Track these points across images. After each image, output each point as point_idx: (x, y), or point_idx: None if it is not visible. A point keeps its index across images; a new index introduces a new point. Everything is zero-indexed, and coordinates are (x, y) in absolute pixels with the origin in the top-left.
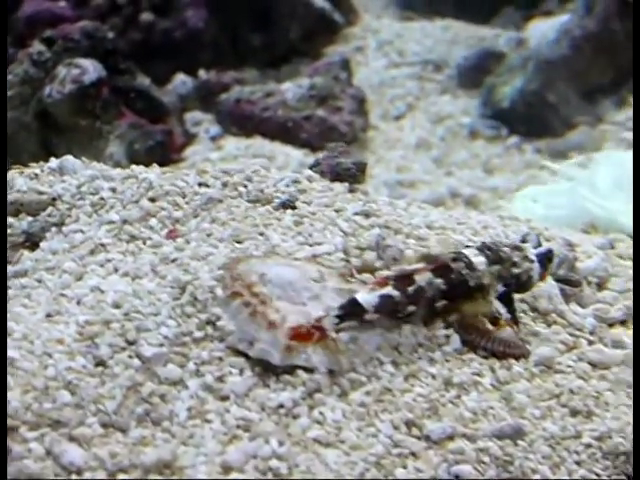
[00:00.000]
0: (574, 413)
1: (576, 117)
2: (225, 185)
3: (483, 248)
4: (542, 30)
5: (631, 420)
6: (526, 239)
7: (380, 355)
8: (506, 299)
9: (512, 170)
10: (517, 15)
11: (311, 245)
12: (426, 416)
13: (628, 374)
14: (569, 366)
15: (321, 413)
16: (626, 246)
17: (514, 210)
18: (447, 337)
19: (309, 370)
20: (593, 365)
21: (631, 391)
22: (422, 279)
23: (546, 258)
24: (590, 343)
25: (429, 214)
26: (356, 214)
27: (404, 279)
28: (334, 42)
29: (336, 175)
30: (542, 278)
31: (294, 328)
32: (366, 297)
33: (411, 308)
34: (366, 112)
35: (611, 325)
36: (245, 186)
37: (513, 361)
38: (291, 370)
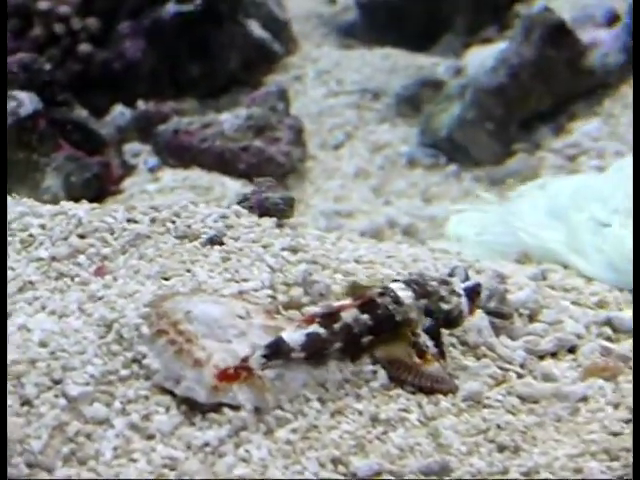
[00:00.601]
0: (501, 448)
1: (514, 145)
2: (153, 221)
3: (410, 282)
4: (480, 58)
5: (559, 455)
6: (454, 272)
7: (306, 392)
8: (433, 333)
9: (451, 198)
10: (457, 43)
11: (238, 281)
12: (352, 453)
13: (557, 407)
14: (498, 400)
15: (247, 451)
16: (558, 277)
17: (447, 239)
18: (374, 373)
19: (235, 408)
20: (522, 399)
21: (559, 424)
22: (348, 315)
23: (474, 292)
24: (519, 376)
25: (358, 248)
26: (283, 249)
27: (330, 316)
28: (274, 71)
29: (265, 210)
30: (471, 312)
31: (221, 370)
32: (292, 335)
33: (337, 345)
34: (304, 142)
35: (542, 357)
36: (173, 222)
37: (441, 396)
38: (217, 408)
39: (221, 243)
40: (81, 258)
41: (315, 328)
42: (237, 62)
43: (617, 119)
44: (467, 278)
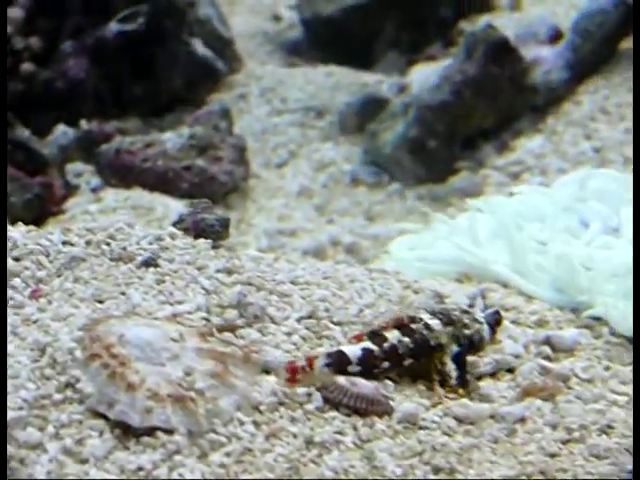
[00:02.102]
0: (436, 471)
1: (457, 162)
2: (89, 243)
3: (434, 312)
4: (424, 75)
5: (495, 476)
6: (473, 303)
7: (240, 415)
8: (460, 359)
9: (394, 217)
10: (401, 60)
11: (172, 304)
12: (287, 476)
13: (494, 429)
14: (434, 422)
15: (180, 475)
16: (498, 296)
17: (390, 259)
18: (309, 395)
19: (168, 431)
20: (459, 420)
21: (496, 446)
22: (393, 337)
23: (494, 319)
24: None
25: (295, 269)
26: (218, 271)
27: (378, 335)
28: (218, 90)
29: (200, 232)
30: (492, 338)
31: (291, 369)
32: (351, 349)
33: (385, 364)
34: (247, 161)
35: (479, 378)
36: (108, 244)
37: (376, 418)
38: (150, 432)
39: (156, 265)
40: (16, 281)
41: (368, 344)
42: (181, 81)
43: (560, 136)
44: (486, 307)
